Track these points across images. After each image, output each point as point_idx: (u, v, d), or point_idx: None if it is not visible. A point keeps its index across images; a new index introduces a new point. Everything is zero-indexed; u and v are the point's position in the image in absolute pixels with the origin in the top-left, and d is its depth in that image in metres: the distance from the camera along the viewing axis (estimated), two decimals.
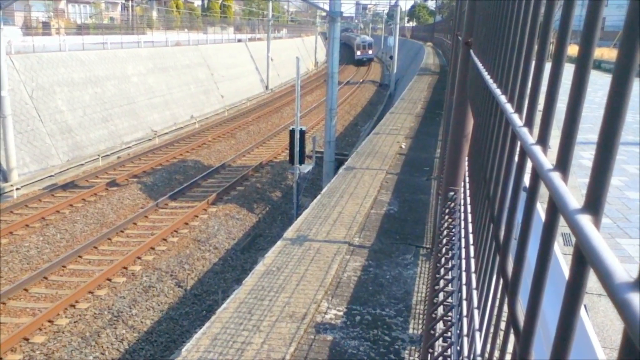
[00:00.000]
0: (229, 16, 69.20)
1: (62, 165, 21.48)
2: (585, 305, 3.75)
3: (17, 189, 18.81)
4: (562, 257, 3.84)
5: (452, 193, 3.59)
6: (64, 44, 27.27)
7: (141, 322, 11.77)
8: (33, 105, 22.19)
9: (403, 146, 13.42)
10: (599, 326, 4.45)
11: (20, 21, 35.94)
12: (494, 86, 1.60)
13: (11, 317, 11.49)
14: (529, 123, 0.94)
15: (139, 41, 34.60)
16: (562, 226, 0.66)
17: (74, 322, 11.35)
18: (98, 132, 25.03)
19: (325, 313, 5.42)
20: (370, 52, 74.55)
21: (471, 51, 3.34)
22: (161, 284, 13.27)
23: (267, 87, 47.91)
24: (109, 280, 13.02)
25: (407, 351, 4.89)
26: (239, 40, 52.00)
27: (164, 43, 37.48)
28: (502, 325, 1.03)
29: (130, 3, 52.97)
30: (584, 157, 9.64)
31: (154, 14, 53.56)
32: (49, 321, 11.24)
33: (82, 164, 22.14)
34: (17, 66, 22.29)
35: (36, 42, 27.07)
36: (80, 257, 14.21)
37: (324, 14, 23.26)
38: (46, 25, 37.20)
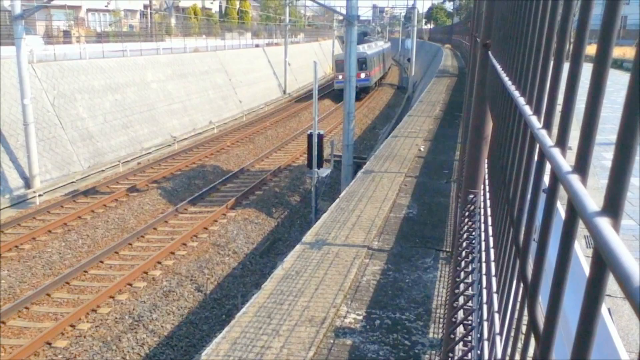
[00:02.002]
0: (246, 22, 69.64)
1: (83, 172, 21.75)
2: (609, 309, 3.69)
3: (39, 195, 19.08)
4: (584, 260, 3.79)
5: (471, 196, 3.57)
6: (84, 52, 27.63)
7: (161, 326, 11.85)
8: (55, 113, 22.51)
9: (422, 149, 13.35)
10: (624, 330, 4.38)
11: (42, 30, 36.53)
12: (512, 88, 1.59)
13: (34, 322, 11.65)
14: (547, 125, 0.93)
15: (158, 48, 34.94)
16: (584, 228, 0.65)
17: (96, 326, 11.46)
18: (118, 139, 25.31)
19: (345, 317, 5.40)
20: (363, 75, 43.00)
21: (489, 52, 3.32)
22: (181, 288, 13.35)
23: (284, 92, 48.06)
24: (130, 285, 13.13)
25: (427, 355, 4.85)
26: (257, 46, 52.25)
27: (183, 49, 37.79)
28: (523, 329, 1.02)
29: (149, 10, 53.57)
30: (607, 158, 9.51)
31: (173, 20, 54.08)
32: (71, 326, 11.37)
33: (102, 170, 22.39)
34: (39, 74, 22.64)
35: (57, 50, 27.47)
36: (101, 262, 14.36)
37: (340, 17, 23.29)
38: (67, 34, 37.78)
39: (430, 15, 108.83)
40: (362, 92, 42.92)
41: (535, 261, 0.86)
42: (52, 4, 28.06)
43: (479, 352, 1.77)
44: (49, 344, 10.76)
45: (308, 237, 7.55)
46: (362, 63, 42.37)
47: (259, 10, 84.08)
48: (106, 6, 43.92)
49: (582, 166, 0.63)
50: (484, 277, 1.97)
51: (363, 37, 75.05)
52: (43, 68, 23.19)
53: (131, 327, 11.58)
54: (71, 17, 42.18)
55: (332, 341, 4.98)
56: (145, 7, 55.44)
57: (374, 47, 50.87)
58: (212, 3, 72.51)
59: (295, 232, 17.26)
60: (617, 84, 19.30)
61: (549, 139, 0.86)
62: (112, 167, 22.94)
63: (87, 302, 12.00)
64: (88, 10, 48.11)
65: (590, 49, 0.80)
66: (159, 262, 14.33)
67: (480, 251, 2.31)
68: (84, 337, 11.10)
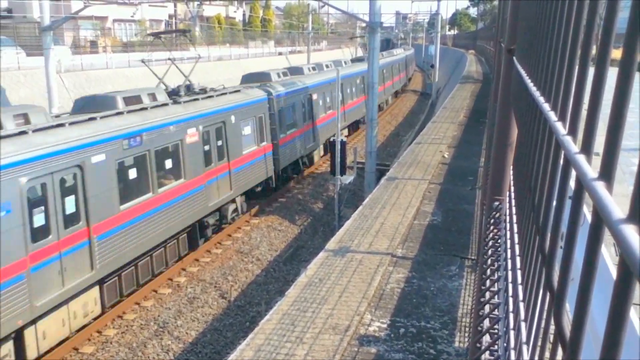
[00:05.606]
0: (269, 30, 70.11)
1: None
2: None
3: None
4: (613, 268, 3.72)
5: (497, 203, 3.53)
6: (111, 62, 28.10)
7: (186, 333, 11.92)
8: None
9: (446, 155, 13.27)
10: None
11: (70, 40, 37.24)
12: (537, 94, 1.58)
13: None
14: (572, 131, 0.92)
15: (183, 57, 35.36)
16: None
17: (122, 332, 11.58)
18: None
19: (369, 325, 5.38)
20: None
21: (514, 58, 3.29)
22: (205, 295, 13.43)
23: None
24: (155, 291, 13.25)
25: None
26: (280, 54, 52.59)
27: (207, 58, 38.18)
28: (551, 337, 1.01)
29: (173, 20, 54.27)
30: (636, 164, 9.33)
31: (197, 29, 54.70)
32: (98, 332, 11.50)
33: None
34: (67, 84, 23.08)
35: (84, 60, 27.99)
36: None
37: (363, 24, 23.32)
38: (94, 44, 38.45)
39: (454, 21, 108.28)
40: None
41: (560, 269, 0.85)
42: (80, 15, 28.58)
43: None
44: (76, 349, 10.90)
45: (331, 244, 7.55)
46: None
47: (282, 19, 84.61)
48: (132, 16, 44.58)
49: (607, 173, 0.63)
50: (510, 285, 1.95)
51: (387, 45, 72.55)
52: (70, 77, 23.63)
53: (156, 334, 11.68)
54: (98, 28, 42.93)
55: (356, 349, 4.96)
56: (170, 16, 56.21)
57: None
58: (235, 12, 73.22)
59: (319, 239, 17.24)
60: None
61: (574, 146, 0.85)
62: None
63: (113, 308, 12.13)
64: (114, 20, 48.92)
65: (616, 53, 0.79)
66: (184, 269, 14.44)
67: (506, 259, 2.29)
68: (110, 343, 11.22)
